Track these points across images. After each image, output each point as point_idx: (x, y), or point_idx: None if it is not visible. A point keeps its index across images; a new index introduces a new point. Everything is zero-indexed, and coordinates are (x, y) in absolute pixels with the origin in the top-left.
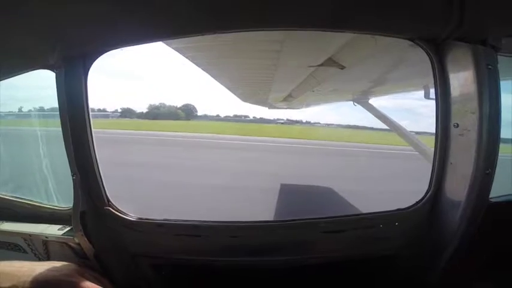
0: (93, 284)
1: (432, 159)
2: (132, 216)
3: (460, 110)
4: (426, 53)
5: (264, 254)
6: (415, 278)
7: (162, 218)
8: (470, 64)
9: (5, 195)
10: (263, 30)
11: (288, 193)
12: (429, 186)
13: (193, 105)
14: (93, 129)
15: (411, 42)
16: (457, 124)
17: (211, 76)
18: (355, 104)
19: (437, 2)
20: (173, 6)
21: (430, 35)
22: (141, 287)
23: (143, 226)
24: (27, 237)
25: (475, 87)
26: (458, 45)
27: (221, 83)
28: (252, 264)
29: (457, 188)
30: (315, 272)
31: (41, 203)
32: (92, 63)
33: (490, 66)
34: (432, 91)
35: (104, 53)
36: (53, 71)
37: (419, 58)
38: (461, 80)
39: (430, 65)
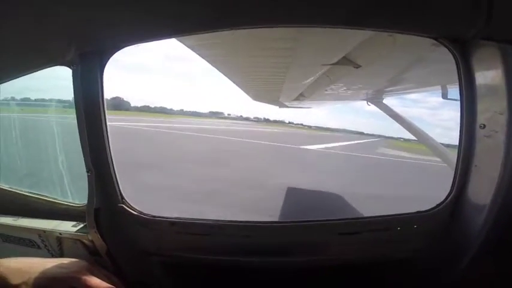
0: (102, 282)
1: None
2: (145, 214)
3: (487, 111)
4: (451, 52)
5: (277, 254)
6: (431, 282)
7: (174, 216)
8: (499, 64)
9: (22, 191)
10: (278, 26)
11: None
12: (451, 189)
13: (121, 98)
14: (108, 127)
15: (434, 41)
16: (484, 125)
17: (224, 74)
18: (369, 103)
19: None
20: (189, 3)
21: (455, 34)
22: (152, 286)
23: (156, 224)
24: (42, 233)
25: (504, 87)
26: (486, 44)
27: (233, 81)
28: (264, 265)
29: (482, 191)
30: (328, 274)
31: (56, 199)
32: (108, 60)
33: None
34: (450, 91)
35: (120, 49)
36: (70, 68)
37: (439, 57)
38: (489, 80)
39: (455, 64)
